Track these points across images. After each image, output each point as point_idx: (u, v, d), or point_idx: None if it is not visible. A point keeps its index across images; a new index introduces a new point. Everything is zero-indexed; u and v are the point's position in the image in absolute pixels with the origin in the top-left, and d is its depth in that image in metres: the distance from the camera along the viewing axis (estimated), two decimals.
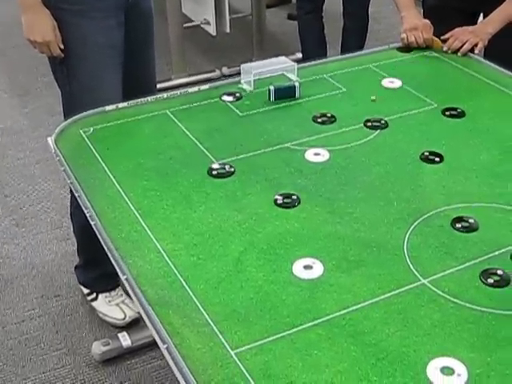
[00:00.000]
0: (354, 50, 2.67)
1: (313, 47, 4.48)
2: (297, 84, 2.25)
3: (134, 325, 2.71)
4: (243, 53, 4.84)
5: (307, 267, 1.56)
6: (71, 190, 2.42)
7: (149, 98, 2.23)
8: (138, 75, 2.57)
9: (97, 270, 2.76)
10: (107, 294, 2.78)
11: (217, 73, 4.75)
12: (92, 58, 2.41)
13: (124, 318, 2.71)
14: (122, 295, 2.78)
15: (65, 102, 2.50)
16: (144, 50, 2.61)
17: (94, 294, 2.81)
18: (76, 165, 1.94)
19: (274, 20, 5.53)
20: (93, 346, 2.60)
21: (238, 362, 1.33)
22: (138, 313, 2.68)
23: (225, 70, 4.75)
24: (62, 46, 2.37)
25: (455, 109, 2.19)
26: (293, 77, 2.33)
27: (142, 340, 2.63)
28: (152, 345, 2.61)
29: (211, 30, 4.53)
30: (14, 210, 3.47)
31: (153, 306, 1.46)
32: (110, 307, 2.75)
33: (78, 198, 1.84)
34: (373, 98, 2.15)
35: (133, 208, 1.76)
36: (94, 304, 2.80)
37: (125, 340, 2.61)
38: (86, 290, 2.84)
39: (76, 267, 2.87)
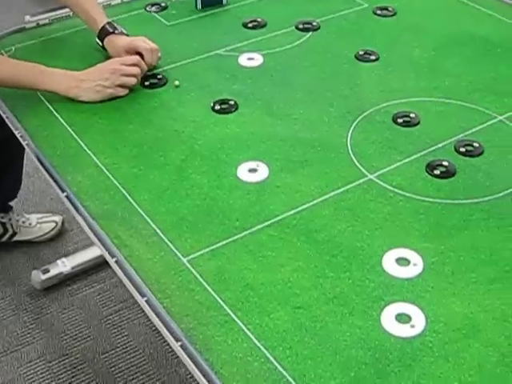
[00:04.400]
0: None
1: None
2: None
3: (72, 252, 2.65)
4: None
5: (252, 170, 1.53)
6: None
7: (71, 13, 2.14)
8: None
9: None
10: None
11: None
12: None
13: None
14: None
15: None
16: None
17: None
18: None
19: None
20: (32, 275, 2.54)
21: (191, 268, 1.30)
22: None
23: None
24: None
25: (386, 8, 2.16)
26: None
27: (82, 265, 2.58)
28: (92, 269, 2.58)
29: None
30: None
31: (97, 220, 1.41)
32: None
33: (6, 120, 1.76)
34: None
35: (66, 125, 1.69)
36: None
37: (64, 266, 2.55)
38: None
39: None
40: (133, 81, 1.79)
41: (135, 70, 1.80)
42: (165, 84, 1.82)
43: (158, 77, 1.84)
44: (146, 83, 1.82)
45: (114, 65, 1.81)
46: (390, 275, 1.27)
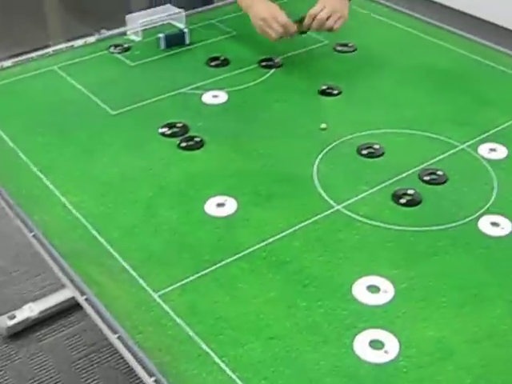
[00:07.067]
0: None
1: None
2: (186, 30, 2.20)
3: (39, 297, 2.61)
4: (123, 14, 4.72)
5: (220, 205, 1.53)
6: None
7: (34, 55, 2.15)
8: None
9: None
10: None
11: (96, 36, 4.62)
12: None
13: None
14: None
15: None
16: None
17: None
18: None
19: None
20: None
21: (162, 303, 1.29)
22: None
23: (104, 32, 4.63)
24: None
25: (346, 44, 2.19)
26: (180, 24, 2.27)
27: (49, 310, 2.55)
28: (60, 313, 2.55)
29: None
30: None
31: (66, 258, 1.40)
32: None
33: None
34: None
35: (31, 164, 1.68)
36: None
37: (31, 311, 2.52)
38: None
39: None
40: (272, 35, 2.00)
41: (279, 29, 1.99)
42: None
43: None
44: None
45: (266, 14, 2.00)
46: (361, 303, 1.28)
